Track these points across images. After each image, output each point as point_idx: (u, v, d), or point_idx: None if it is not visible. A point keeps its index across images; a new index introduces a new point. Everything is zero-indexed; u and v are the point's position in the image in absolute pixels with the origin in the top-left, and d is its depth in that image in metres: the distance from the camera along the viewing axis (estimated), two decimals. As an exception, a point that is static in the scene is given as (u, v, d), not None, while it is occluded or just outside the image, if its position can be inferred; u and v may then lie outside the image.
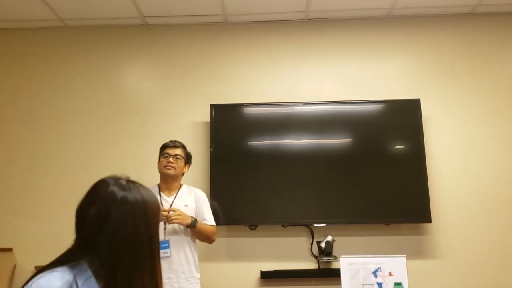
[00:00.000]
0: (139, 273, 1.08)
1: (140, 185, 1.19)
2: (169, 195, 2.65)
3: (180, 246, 2.55)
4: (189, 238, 2.59)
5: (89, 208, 1.11)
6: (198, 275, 2.61)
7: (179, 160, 2.64)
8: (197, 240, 2.66)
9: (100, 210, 1.10)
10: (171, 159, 2.62)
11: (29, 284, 1.04)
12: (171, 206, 2.58)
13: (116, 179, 1.16)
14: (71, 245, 1.13)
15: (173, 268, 2.50)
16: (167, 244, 2.51)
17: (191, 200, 2.66)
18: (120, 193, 1.12)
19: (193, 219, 2.53)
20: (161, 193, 2.65)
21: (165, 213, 2.43)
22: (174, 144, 2.68)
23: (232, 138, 3.36)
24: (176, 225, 2.52)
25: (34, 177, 3.44)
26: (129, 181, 1.18)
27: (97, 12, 3.46)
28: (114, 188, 1.13)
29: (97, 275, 1.06)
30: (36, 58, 3.64)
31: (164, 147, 2.70)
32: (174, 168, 2.61)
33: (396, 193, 3.24)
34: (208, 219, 2.65)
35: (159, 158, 2.69)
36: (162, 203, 2.60)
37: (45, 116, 3.54)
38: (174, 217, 2.45)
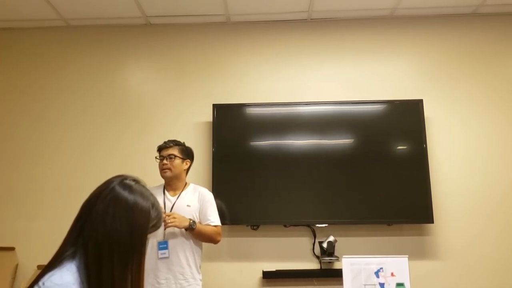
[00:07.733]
0: (117, 273, 1.06)
1: (143, 186, 1.18)
2: (174, 195, 2.65)
3: (180, 247, 2.52)
4: (190, 239, 2.55)
5: (88, 202, 1.13)
6: (199, 276, 2.58)
7: (174, 160, 2.61)
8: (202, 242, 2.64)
9: (91, 205, 1.12)
10: (165, 161, 2.61)
11: (40, 283, 1.02)
12: (173, 206, 2.58)
13: (122, 178, 1.17)
14: (65, 238, 1.12)
15: (171, 269, 2.48)
16: (165, 245, 2.50)
17: (194, 200, 2.64)
18: (114, 192, 1.13)
19: (191, 222, 2.47)
20: (166, 192, 2.65)
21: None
22: (166, 145, 2.66)
23: (234, 138, 3.36)
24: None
25: (36, 177, 3.45)
26: (134, 180, 1.18)
27: (100, 12, 3.47)
28: (113, 185, 1.14)
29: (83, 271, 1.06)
30: (38, 57, 3.65)
31: (158, 149, 2.69)
32: (169, 169, 2.60)
33: (398, 193, 3.23)
34: (211, 219, 2.60)
35: None
36: (165, 203, 2.60)
37: (48, 115, 3.55)
38: (169, 221, 2.41)
